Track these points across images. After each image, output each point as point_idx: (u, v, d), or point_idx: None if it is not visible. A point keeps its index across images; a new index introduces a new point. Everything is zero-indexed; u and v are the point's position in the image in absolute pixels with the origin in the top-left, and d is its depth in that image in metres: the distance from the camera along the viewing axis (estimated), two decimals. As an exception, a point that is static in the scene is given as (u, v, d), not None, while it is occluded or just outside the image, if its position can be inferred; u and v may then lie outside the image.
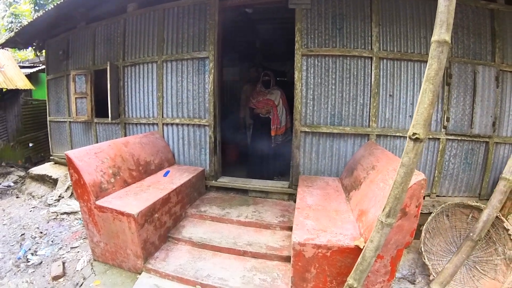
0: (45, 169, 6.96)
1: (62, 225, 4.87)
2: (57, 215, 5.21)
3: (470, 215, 3.77)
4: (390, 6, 4.19)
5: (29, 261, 3.92)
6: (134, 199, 3.43)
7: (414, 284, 3.53)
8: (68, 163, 3.41)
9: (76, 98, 5.91)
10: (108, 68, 5.06)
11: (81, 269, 3.57)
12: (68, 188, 5.93)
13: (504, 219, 3.52)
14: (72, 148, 6.46)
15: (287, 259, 3.28)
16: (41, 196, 6.23)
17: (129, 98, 5.32)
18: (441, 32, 1.77)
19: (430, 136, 4.29)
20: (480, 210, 3.63)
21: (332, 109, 4.39)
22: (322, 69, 4.35)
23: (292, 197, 4.60)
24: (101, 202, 3.32)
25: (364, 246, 2.32)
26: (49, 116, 7.09)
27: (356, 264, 2.23)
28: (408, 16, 4.19)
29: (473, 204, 3.73)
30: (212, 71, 4.64)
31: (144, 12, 5.11)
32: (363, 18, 4.24)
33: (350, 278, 2.25)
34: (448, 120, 4.24)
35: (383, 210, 2.08)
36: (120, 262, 3.42)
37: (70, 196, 5.82)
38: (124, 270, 3.42)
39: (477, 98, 4.16)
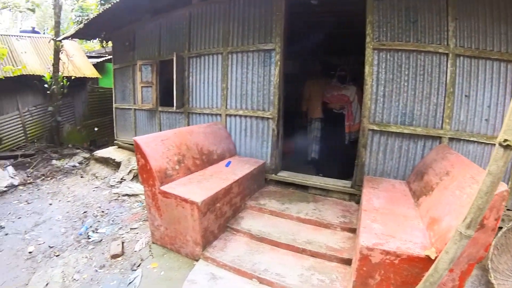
0: (108, 152, 7.34)
1: (123, 206, 5.10)
2: (119, 196, 5.46)
3: None
4: None
5: (90, 238, 4.15)
6: (198, 187, 3.48)
7: None
8: (135, 148, 3.54)
9: (142, 87, 6.15)
10: (174, 58, 5.19)
11: (139, 250, 3.70)
12: (130, 171, 6.19)
13: None
14: (136, 134, 6.75)
15: (347, 261, 3.15)
16: (104, 177, 6.58)
17: (193, 88, 5.44)
18: None
19: None
20: None
21: (403, 108, 4.13)
22: (394, 65, 4.10)
23: (354, 197, 4.44)
24: (166, 187, 3.41)
25: (435, 257, 2.20)
26: (115, 103, 7.48)
27: (426, 276, 2.06)
28: (487, 11, 3.80)
29: None
30: (278, 63, 4.59)
31: (209, 4, 5.18)
32: (438, 12, 3.92)
33: (418, 291, 2.11)
34: None
35: (464, 220, 1.90)
36: (178, 247, 3.50)
37: (132, 179, 6.07)
38: (181, 256, 3.49)
39: None
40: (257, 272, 3.01)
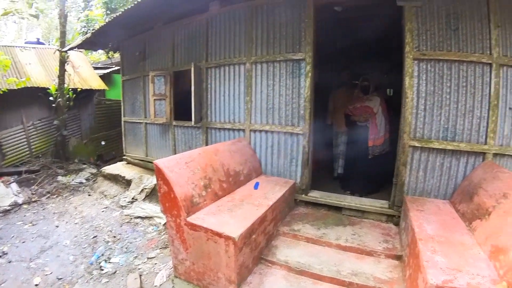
0: (117, 168, 6.98)
1: (136, 230, 4.72)
2: (131, 218, 5.09)
3: None
4: (511, 5, 3.62)
5: (102, 269, 3.79)
6: (230, 217, 3.12)
7: None
8: (156, 173, 3.15)
9: (154, 99, 5.85)
10: (192, 69, 4.90)
11: (160, 285, 3.36)
12: (142, 190, 5.82)
13: None
14: (147, 150, 6.45)
15: None
16: (113, 196, 6.21)
17: (212, 101, 5.12)
18: None
19: None
20: None
21: (446, 122, 3.85)
22: (435, 76, 3.83)
23: (392, 219, 4.14)
24: (193, 219, 3.04)
25: None
26: (124, 116, 7.14)
27: None
28: None
29: None
30: (309, 74, 4.27)
31: (229, 11, 4.88)
32: (480, 19, 3.69)
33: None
34: None
35: None
36: (207, 284, 3.10)
37: (144, 199, 5.71)
38: None
39: None
40: (303, 314, 2.66)
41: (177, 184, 3.07)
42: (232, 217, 3.12)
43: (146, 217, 5.06)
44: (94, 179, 7.48)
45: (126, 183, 6.39)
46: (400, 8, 3.94)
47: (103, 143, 9.80)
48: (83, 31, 11.03)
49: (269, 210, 3.44)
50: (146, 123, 6.43)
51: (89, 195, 6.59)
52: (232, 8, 4.83)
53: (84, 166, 8.55)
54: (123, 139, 7.34)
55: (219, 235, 2.82)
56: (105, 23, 6.10)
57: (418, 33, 3.84)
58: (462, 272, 2.33)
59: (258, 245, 3.27)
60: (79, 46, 7.65)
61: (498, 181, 3.12)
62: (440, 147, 3.86)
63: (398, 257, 3.37)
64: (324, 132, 5.70)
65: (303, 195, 4.53)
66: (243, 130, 4.82)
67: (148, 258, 3.97)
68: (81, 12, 12.40)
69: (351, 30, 6.21)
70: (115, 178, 6.70)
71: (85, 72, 9.85)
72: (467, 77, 3.75)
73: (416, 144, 3.92)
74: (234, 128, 4.91)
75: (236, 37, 4.82)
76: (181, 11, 5.31)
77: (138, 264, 3.84)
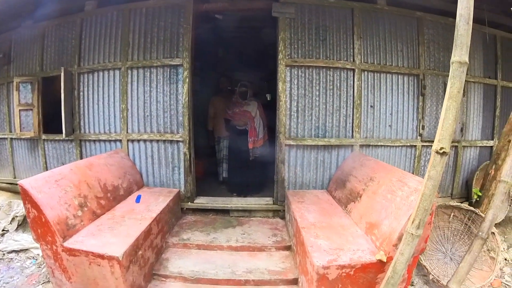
0: None
1: (12, 268, 3.97)
2: (3, 254, 4.25)
3: (452, 214, 3.92)
4: (371, 20, 4.30)
5: None
6: (112, 236, 2.85)
7: (413, 285, 3.55)
8: (23, 196, 2.71)
9: (20, 110, 5.00)
10: (62, 74, 4.33)
11: None
12: (13, 219, 4.92)
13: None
14: (14, 171, 5.54)
15: (293, 281, 3.07)
16: None
17: (85, 110, 4.62)
18: (462, 53, 1.89)
19: (408, 144, 4.45)
20: (459, 209, 3.86)
21: (317, 121, 4.27)
22: (306, 80, 4.21)
23: (278, 213, 4.38)
24: (71, 243, 2.68)
25: (387, 259, 2.41)
26: None
27: (386, 278, 2.18)
28: (387, 31, 4.34)
29: (454, 204, 3.92)
30: (187, 80, 4.20)
31: (106, 12, 4.49)
32: (346, 31, 4.27)
33: (381, 293, 2.20)
34: (423, 128, 4.45)
35: (412, 222, 2.07)
36: (100, 312, 2.82)
37: (17, 229, 4.84)
38: None
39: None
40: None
41: (47, 206, 2.67)
42: (114, 235, 2.85)
43: (21, 250, 4.27)
44: None
45: (-8, 213, 5.36)
46: (275, 19, 4.20)
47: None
48: None
49: (153, 222, 3.26)
50: (11, 138, 5.46)
51: None
52: (109, 9, 4.46)
53: None
54: (-14, 159, 6.13)
55: (102, 256, 2.56)
56: None
57: (291, 42, 4.16)
58: (344, 250, 2.61)
59: (147, 261, 3.07)
60: None
61: (365, 167, 3.57)
62: (313, 144, 4.24)
63: (288, 247, 3.59)
64: (208, 138, 5.74)
65: (189, 203, 4.44)
66: (120, 141, 4.48)
67: (30, 298, 3.39)
68: None
69: (232, 38, 6.33)
70: (-22, 209, 5.56)
71: None
72: (333, 81, 4.24)
73: (292, 143, 4.22)
74: (110, 139, 4.53)
75: (112, 40, 4.46)
76: (54, 9, 4.56)
77: (21, 308, 3.25)
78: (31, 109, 4.98)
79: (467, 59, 1.88)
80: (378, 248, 2.56)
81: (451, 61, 1.91)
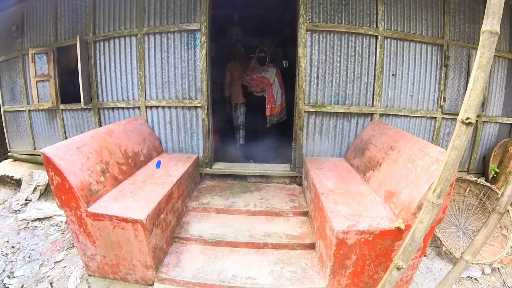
0: (3, 168, 5.88)
1: (37, 235, 4.10)
2: (28, 223, 4.38)
3: (468, 188, 3.95)
4: None
5: (7, 287, 3.19)
6: (134, 200, 2.89)
7: (426, 256, 3.62)
8: (45, 164, 2.72)
9: (37, 81, 5.02)
10: (78, 43, 4.31)
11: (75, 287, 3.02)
12: (35, 189, 5.05)
13: (498, 191, 3.74)
14: (34, 142, 5.63)
15: (310, 246, 3.16)
16: (3, 202, 5.19)
17: (102, 79, 4.61)
18: (493, 23, 1.82)
19: (428, 115, 4.35)
20: (475, 184, 3.89)
21: (337, 88, 4.17)
22: (327, 46, 4.09)
23: (295, 180, 4.41)
24: (95, 208, 2.73)
25: (405, 227, 2.42)
26: (3, 105, 5.96)
27: (404, 246, 2.20)
28: None
29: (470, 178, 3.94)
30: (205, 45, 4.13)
31: (120, -25, 4.38)
32: None
33: (398, 259, 2.21)
34: (444, 100, 4.31)
35: (433, 191, 2.06)
36: (124, 275, 2.91)
37: (39, 198, 4.98)
38: (130, 284, 2.91)
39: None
40: (226, 282, 2.69)
41: (70, 172, 2.69)
42: (136, 200, 2.90)
43: (44, 218, 4.40)
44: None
45: (15, 183, 5.42)
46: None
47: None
48: None
49: (174, 187, 3.30)
50: (29, 110, 5.50)
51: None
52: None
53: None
54: (5, 132, 6.18)
55: (126, 220, 2.60)
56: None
57: (312, 5, 4.01)
58: (363, 216, 2.61)
59: (168, 224, 3.14)
60: None
61: (385, 136, 3.51)
62: (333, 111, 4.18)
63: (305, 213, 3.64)
64: (224, 104, 5.70)
65: (208, 168, 4.48)
66: (139, 108, 4.49)
67: (55, 262, 3.46)
68: None
69: (248, 3, 6.14)
70: (1, 180, 5.65)
71: None
72: (355, 47, 4.11)
73: (311, 109, 4.16)
74: (128, 106, 4.53)
75: (127, 7, 4.36)
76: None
77: (46, 272, 3.32)
78: (48, 80, 4.98)
79: (498, 29, 1.81)
80: (397, 216, 2.57)
81: (481, 30, 1.84)
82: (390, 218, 2.58)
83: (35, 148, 5.66)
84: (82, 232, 2.84)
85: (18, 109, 5.68)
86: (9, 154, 6.21)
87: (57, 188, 2.75)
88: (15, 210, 4.78)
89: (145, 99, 4.43)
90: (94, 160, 3.03)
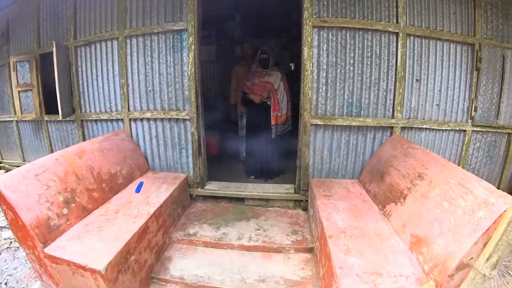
0: None
1: (17, 257, 3.65)
2: (11, 242, 3.97)
3: None
4: None
5: None
6: (99, 239, 2.36)
7: None
8: None
9: (19, 91, 4.65)
10: (54, 49, 3.84)
11: None
12: None
13: None
14: (23, 153, 5.32)
15: None
16: None
17: (85, 88, 4.13)
18: None
19: (456, 128, 3.67)
20: None
21: (350, 96, 3.53)
22: (338, 45, 3.45)
23: (299, 204, 3.82)
24: (52, 249, 2.24)
25: None
26: None
27: None
28: None
29: None
30: (192, 47, 3.57)
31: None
32: None
33: None
34: (475, 109, 3.63)
35: (487, 259, 1.54)
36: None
37: None
38: None
39: (505, 86, 3.64)
40: None
41: (23, 207, 2.23)
42: (101, 238, 2.36)
43: None
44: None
45: (3, 198, 5.10)
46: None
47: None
48: None
49: (151, 219, 2.75)
50: (17, 121, 5.17)
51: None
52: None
53: None
54: (-3, 143, 5.94)
55: (83, 268, 2.09)
56: None
57: (319, -4, 3.40)
58: (383, 275, 2.00)
59: (143, 264, 2.59)
60: None
61: (410, 158, 2.88)
62: (345, 124, 3.57)
63: (310, 250, 3.05)
64: (231, 113, 5.18)
65: (199, 189, 3.94)
66: (122, 120, 3.98)
67: (30, 292, 3.04)
68: None
69: (251, 2, 5.61)
70: (-12, 195, 5.33)
71: None
72: (372, 47, 3.47)
73: (319, 122, 3.56)
74: (111, 118, 4.03)
75: (108, 7, 3.89)
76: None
77: (20, 302, 2.92)
78: (31, 89, 4.63)
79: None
80: (427, 275, 1.95)
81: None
82: (418, 277, 1.96)
83: (24, 161, 5.36)
84: (43, 272, 2.42)
85: (7, 119, 5.36)
86: (0, 165, 5.93)
87: (11, 224, 2.37)
88: (1, 227, 4.37)
89: (128, 110, 3.92)
90: (56, 189, 2.55)
